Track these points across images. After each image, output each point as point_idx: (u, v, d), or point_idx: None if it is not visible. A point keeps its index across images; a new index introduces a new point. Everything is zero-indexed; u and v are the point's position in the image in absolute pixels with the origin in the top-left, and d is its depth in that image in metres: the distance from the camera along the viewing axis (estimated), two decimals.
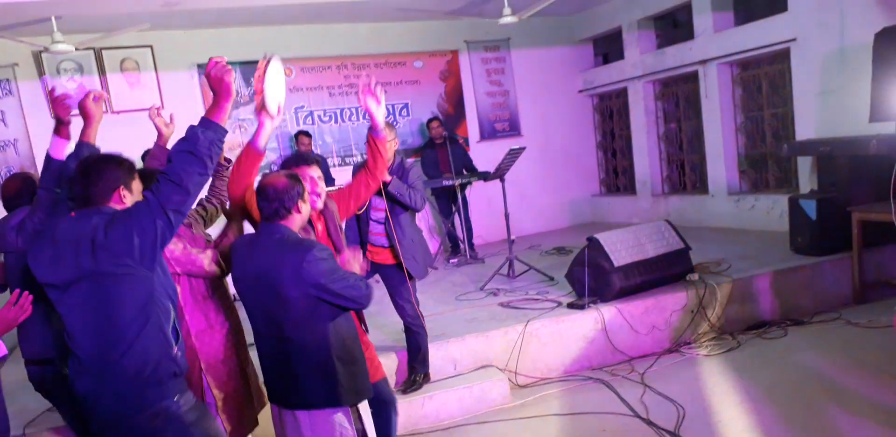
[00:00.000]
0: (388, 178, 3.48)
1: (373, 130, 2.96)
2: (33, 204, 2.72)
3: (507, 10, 6.47)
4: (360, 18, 7.69)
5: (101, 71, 6.86)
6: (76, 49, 5.63)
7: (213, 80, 2.25)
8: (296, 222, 2.47)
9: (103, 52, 6.83)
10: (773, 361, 4.19)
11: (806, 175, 6.30)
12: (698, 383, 4.00)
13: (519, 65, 8.89)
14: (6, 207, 3.07)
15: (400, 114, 8.26)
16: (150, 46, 7.02)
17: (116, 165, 2.23)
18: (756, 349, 4.44)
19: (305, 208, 2.50)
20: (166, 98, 7.00)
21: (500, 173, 6.16)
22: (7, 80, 6.48)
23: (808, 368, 4.01)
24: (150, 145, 4.66)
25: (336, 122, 7.98)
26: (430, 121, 7.56)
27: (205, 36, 7.23)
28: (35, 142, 6.53)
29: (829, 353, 4.20)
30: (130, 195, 2.25)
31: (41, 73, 6.66)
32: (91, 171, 2.20)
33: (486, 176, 6.81)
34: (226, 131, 2.23)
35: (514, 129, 8.88)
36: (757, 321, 4.87)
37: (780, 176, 6.99)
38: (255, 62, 7.21)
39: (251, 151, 2.65)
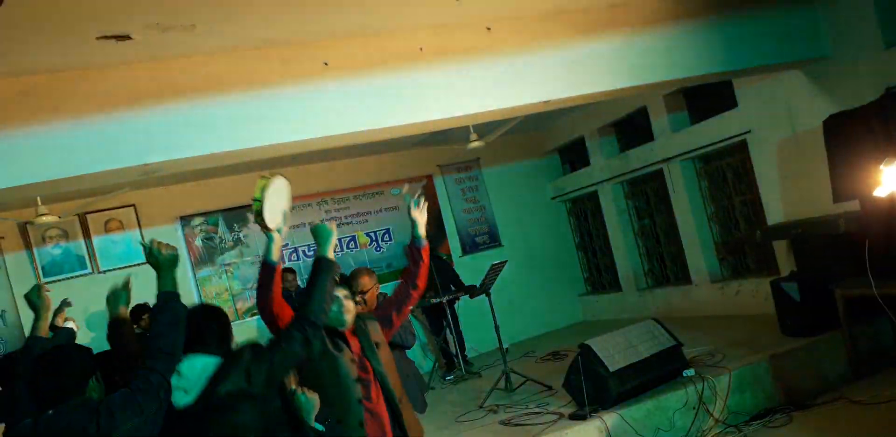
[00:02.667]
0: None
1: (416, 239, 3.17)
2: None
3: (473, 136, 6.83)
4: (336, 157, 8.09)
5: (87, 235, 7.11)
6: (60, 218, 5.87)
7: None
8: None
9: (87, 216, 7.11)
10: None
11: (784, 257, 6.39)
12: None
13: (491, 180, 9.25)
14: None
15: (382, 239, 8.48)
16: (133, 205, 7.32)
17: (86, 354, 2.26)
18: None
19: None
20: None
21: (485, 288, 6.26)
22: None
23: None
24: (138, 302, 4.79)
25: None
26: None
27: (185, 189, 7.56)
28: (23, 312, 6.62)
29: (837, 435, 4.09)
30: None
31: (27, 243, 6.89)
32: (60, 363, 2.19)
33: (471, 292, 6.88)
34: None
35: (494, 240, 9.09)
36: (760, 410, 4.76)
37: (760, 259, 7.08)
38: (240, 208, 7.45)
39: (265, 267, 2.77)
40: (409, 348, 3.90)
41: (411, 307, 3.21)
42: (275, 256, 2.77)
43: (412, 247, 3.17)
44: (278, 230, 2.76)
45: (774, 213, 6.43)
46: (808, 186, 5.93)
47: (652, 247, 8.52)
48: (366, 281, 3.94)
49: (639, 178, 8.30)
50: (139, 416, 2.09)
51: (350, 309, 2.98)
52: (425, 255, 3.14)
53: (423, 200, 3.21)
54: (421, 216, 3.19)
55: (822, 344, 5.15)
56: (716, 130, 6.91)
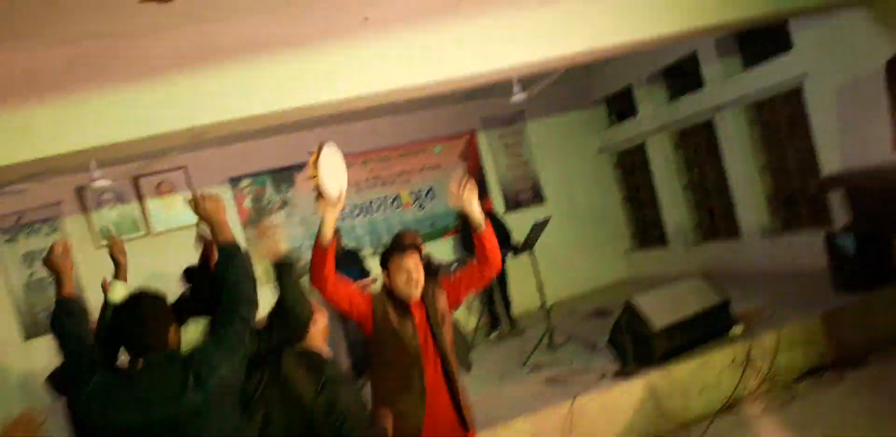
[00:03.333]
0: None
1: (473, 229, 2.95)
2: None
3: (516, 89, 6.70)
4: (379, 114, 8.05)
5: (140, 197, 7.30)
6: (113, 181, 6.03)
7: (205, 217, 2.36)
8: None
9: (140, 179, 7.28)
10: (834, 410, 4.04)
11: (839, 209, 6.20)
12: None
13: (535, 134, 9.11)
14: None
15: (427, 197, 8.50)
16: (184, 167, 7.46)
17: (165, 303, 2.24)
18: (814, 399, 4.28)
19: None
20: None
21: (528, 246, 6.24)
22: (53, 217, 6.93)
23: (872, 414, 3.84)
24: (190, 263, 4.89)
25: (365, 215, 8.23)
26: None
27: (234, 150, 7.65)
28: (83, 274, 6.88)
29: (889, 396, 4.02)
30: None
31: (84, 207, 7.11)
32: (143, 312, 2.17)
33: (514, 250, 6.88)
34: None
35: (537, 196, 9.01)
36: (811, 368, 4.71)
37: (813, 212, 6.88)
38: (287, 169, 7.50)
39: (317, 249, 2.68)
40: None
41: (480, 287, 3.09)
42: (326, 236, 2.66)
43: (474, 234, 2.96)
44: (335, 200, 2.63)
45: (830, 163, 6.21)
46: (866, 135, 5.69)
47: (701, 200, 8.35)
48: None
49: (688, 128, 8.07)
50: (229, 362, 2.12)
51: (419, 282, 2.90)
52: (486, 241, 2.94)
53: (466, 184, 2.91)
54: (469, 204, 2.90)
55: (878, 300, 5.02)
56: (770, 74, 6.63)
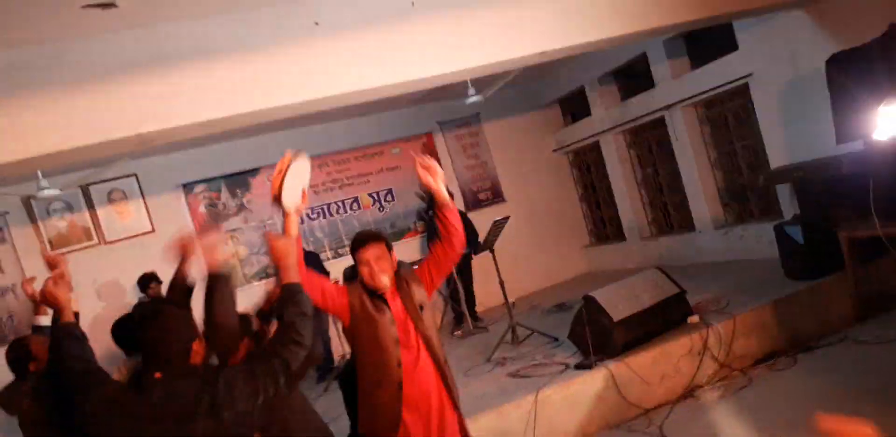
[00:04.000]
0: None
1: (439, 206, 2.91)
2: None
3: (471, 91, 6.75)
4: (334, 118, 8.02)
5: (90, 206, 7.13)
6: (61, 190, 5.88)
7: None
8: None
9: (90, 187, 7.11)
10: (788, 392, 4.15)
11: (787, 201, 6.38)
12: (717, 427, 3.95)
13: (492, 135, 9.19)
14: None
15: (385, 200, 8.48)
16: (135, 174, 7.32)
17: (187, 319, 2.18)
18: (769, 383, 4.39)
19: None
20: (156, 222, 7.25)
21: (488, 245, 6.28)
22: (0, 228, 6.73)
23: (823, 395, 3.96)
24: (142, 272, 4.75)
25: (324, 217, 8.19)
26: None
27: (186, 156, 7.54)
28: (36, 286, 6.70)
29: (841, 376, 4.16)
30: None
31: (32, 217, 6.92)
32: (166, 324, 2.11)
33: (475, 249, 6.91)
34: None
35: (497, 196, 9.08)
36: (765, 354, 4.83)
37: (763, 204, 7.07)
38: (242, 173, 7.36)
39: None
40: None
41: (448, 265, 2.99)
42: (290, 232, 2.65)
43: (438, 211, 2.92)
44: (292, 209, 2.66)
45: (777, 157, 6.39)
46: (810, 129, 5.87)
47: (655, 196, 8.52)
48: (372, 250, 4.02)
49: (640, 126, 8.22)
50: (255, 399, 2.02)
51: (383, 272, 2.87)
52: (450, 217, 2.91)
53: (428, 160, 2.89)
54: (433, 179, 2.86)
55: (826, 287, 5.18)
56: (717, 74, 6.81)
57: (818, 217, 5.45)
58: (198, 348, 2.13)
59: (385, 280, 2.86)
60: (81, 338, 2.31)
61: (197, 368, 2.10)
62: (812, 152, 5.83)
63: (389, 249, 2.94)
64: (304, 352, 2.15)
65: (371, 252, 2.88)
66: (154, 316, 2.13)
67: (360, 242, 2.92)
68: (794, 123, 6.14)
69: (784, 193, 6.40)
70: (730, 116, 7.18)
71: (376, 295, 2.90)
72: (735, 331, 4.84)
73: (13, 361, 2.87)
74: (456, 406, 2.96)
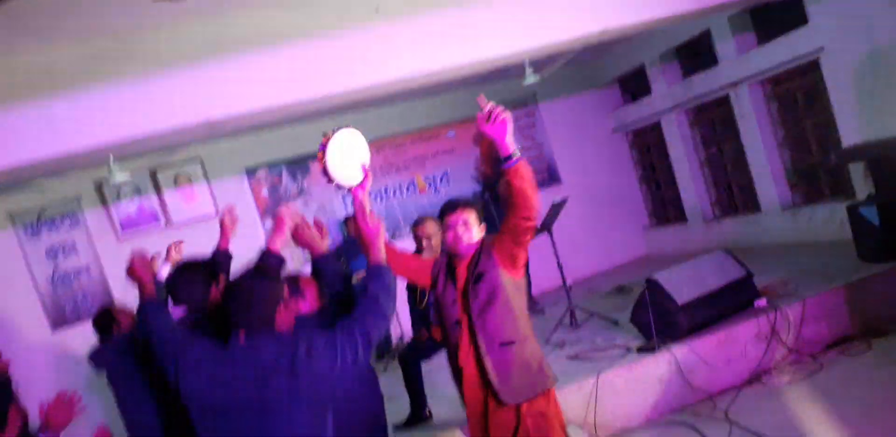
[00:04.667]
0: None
1: (506, 160, 2.55)
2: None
3: (528, 70, 6.65)
4: (392, 101, 8.04)
5: (158, 190, 7.35)
6: (132, 175, 6.08)
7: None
8: None
9: (157, 172, 7.33)
10: (862, 379, 4.02)
11: (860, 180, 6.14)
12: (786, 413, 3.87)
13: (549, 116, 9.07)
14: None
15: (440, 182, 8.50)
16: (200, 159, 7.50)
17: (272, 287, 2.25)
18: (841, 369, 4.27)
19: None
20: (220, 205, 7.43)
21: (546, 227, 6.23)
22: (73, 212, 7.01)
23: None
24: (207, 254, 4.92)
25: (381, 201, 8.26)
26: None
27: (249, 140, 7.67)
28: (106, 266, 7.00)
29: None
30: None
31: (104, 200, 7.18)
32: (254, 290, 2.20)
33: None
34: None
35: (553, 178, 8.99)
36: (837, 339, 4.69)
37: (834, 184, 6.82)
38: (301, 158, 7.53)
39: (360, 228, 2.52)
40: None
41: (529, 238, 2.72)
42: (362, 218, 2.51)
43: (503, 171, 2.59)
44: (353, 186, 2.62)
45: (850, 135, 6.13)
46: (886, 105, 5.62)
47: (719, 176, 8.30)
48: (430, 226, 3.99)
49: (704, 105, 8.00)
50: (333, 364, 2.10)
51: (463, 238, 2.76)
52: (513, 178, 2.55)
53: (495, 107, 2.48)
54: (497, 130, 2.47)
55: None
56: (785, 49, 6.55)
57: (895, 197, 5.22)
58: (283, 312, 2.20)
59: (465, 246, 2.78)
60: (165, 310, 2.54)
61: (281, 332, 2.17)
62: (889, 130, 5.59)
63: (480, 219, 2.86)
64: (387, 325, 2.24)
65: (460, 217, 2.80)
66: (240, 283, 2.24)
67: (451, 206, 2.86)
68: (869, 99, 5.88)
69: (857, 172, 6.15)
70: (799, 94, 6.92)
71: (451, 267, 2.84)
72: (805, 315, 4.70)
73: (100, 325, 3.27)
74: (499, 400, 2.72)
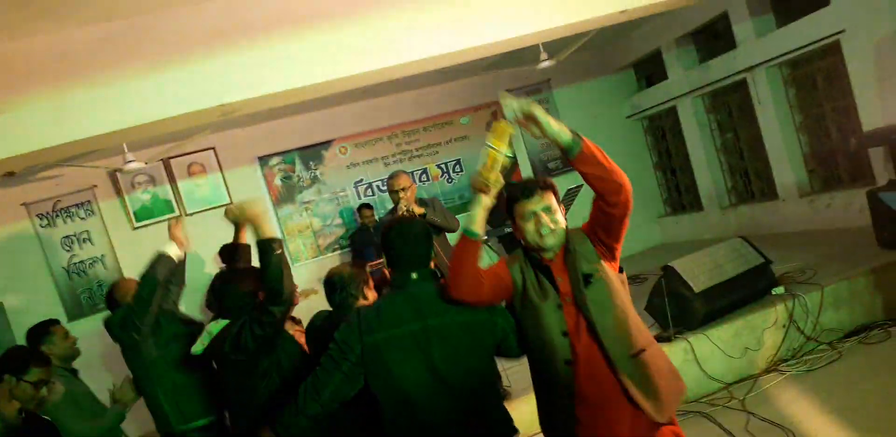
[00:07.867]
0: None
1: (566, 152, 2.15)
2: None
3: (543, 56, 6.56)
4: (404, 88, 8.00)
5: (171, 179, 7.37)
6: (146, 164, 6.09)
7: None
8: None
9: (171, 161, 7.34)
10: (881, 367, 3.95)
11: (880, 165, 6.03)
12: (804, 402, 3.81)
13: (563, 101, 8.99)
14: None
15: (454, 170, 8.45)
16: (213, 148, 7.50)
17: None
18: (860, 357, 4.20)
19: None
20: (234, 194, 7.44)
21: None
22: (88, 201, 7.04)
23: None
24: (223, 243, 4.95)
25: None
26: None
27: (261, 129, 7.68)
28: (120, 255, 7.04)
29: None
30: None
31: (118, 190, 7.21)
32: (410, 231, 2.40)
33: None
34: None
35: (567, 164, 8.86)
36: (856, 327, 4.62)
37: (854, 169, 6.70)
38: (314, 146, 7.49)
39: (463, 238, 2.20)
40: (453, 231, 3.89)
41: (620, 224, 2.30)
42: (478, 225, 2.15)
43: (575, 155, 2.13)
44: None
45: (871, 119, 6.01)
46: None
47: (735, 162, 8.18)
48: (403, 179, 4.28)
49: (720, 89, 7.87)
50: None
51: (554, 227, 2.22)
52: (582, 165, 2.14)
53: (521, 104, 2.15)
54: (534, 123, 2.13)
55: None
56: (805, 31, 6.41)
57: None
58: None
59: (554, 239, 2.22)
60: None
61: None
62: None
63: (559, 201, 2.30)
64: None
65: (541, 203, 2.23)
66: (400, 227, 2.41)
67: (527, 190, 2.25)
68: (891, 82, 5.75)
69: (878, 157, 6.04)
70: (819, 77, 6.78)
71: (540, 266, 2.29)
72: (823, 303, 4.62)
73: (109, 299, 3.61)
74: (636, 405, 2.18)
